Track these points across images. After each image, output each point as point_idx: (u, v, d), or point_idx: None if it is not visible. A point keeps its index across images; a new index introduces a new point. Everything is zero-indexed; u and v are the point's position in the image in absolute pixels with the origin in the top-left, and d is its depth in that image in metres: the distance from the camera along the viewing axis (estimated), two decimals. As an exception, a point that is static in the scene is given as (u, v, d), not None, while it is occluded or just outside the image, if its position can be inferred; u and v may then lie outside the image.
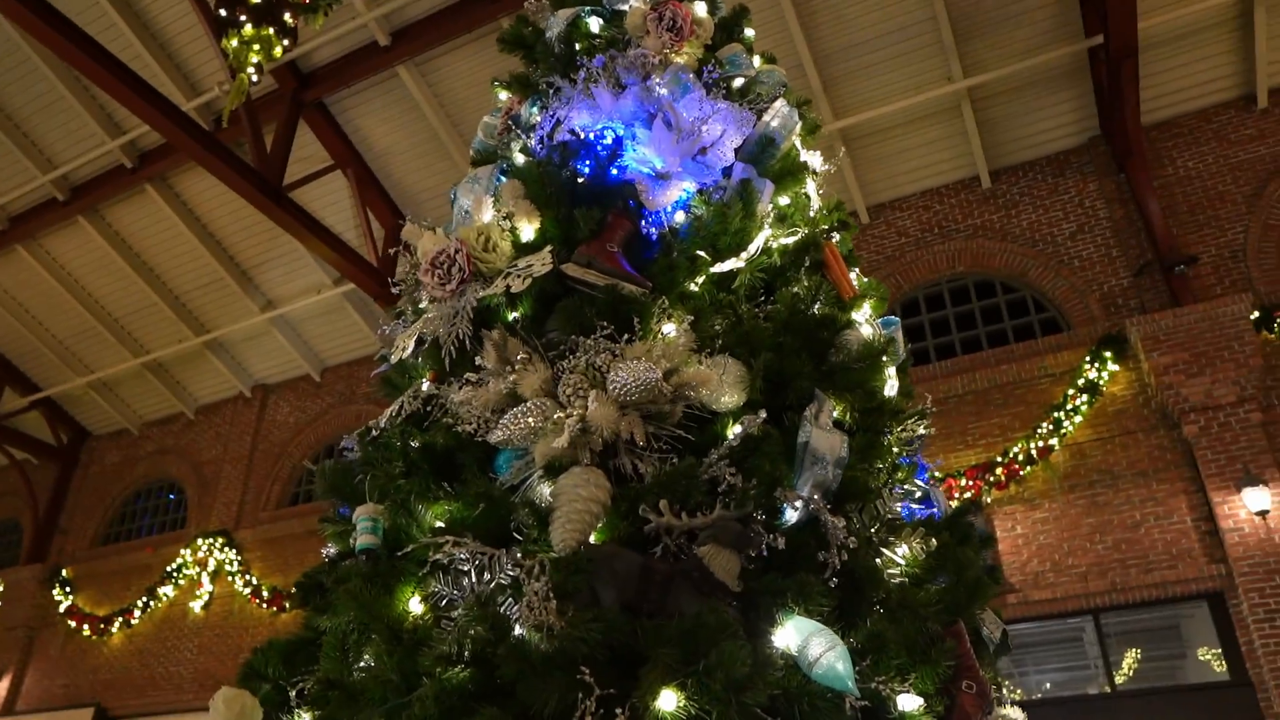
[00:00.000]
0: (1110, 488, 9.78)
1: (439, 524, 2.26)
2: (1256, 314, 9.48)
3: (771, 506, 2.09)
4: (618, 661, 1.81)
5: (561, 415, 2.18)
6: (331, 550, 2.62)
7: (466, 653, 1.84)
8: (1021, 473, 9.80)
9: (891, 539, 2.28)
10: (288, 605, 12.57)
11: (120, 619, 14.54)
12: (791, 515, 2.14)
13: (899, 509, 2.40)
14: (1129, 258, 10.53)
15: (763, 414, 2.17)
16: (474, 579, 2.10)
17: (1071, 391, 9.90)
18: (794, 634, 1.93)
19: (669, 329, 2.40)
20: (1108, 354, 9.87)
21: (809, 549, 2.11)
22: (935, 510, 2.59)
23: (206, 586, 13.72)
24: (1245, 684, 8.96)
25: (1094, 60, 10.66)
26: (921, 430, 2.63)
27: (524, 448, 2.27)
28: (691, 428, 2.27)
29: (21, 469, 17.30)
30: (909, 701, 1.94)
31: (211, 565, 13.75)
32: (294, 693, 2.29)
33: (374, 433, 2.61)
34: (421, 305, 2.82)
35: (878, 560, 2.26)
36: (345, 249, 11.62)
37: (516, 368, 2.34)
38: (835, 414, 2.37)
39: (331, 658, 2.15)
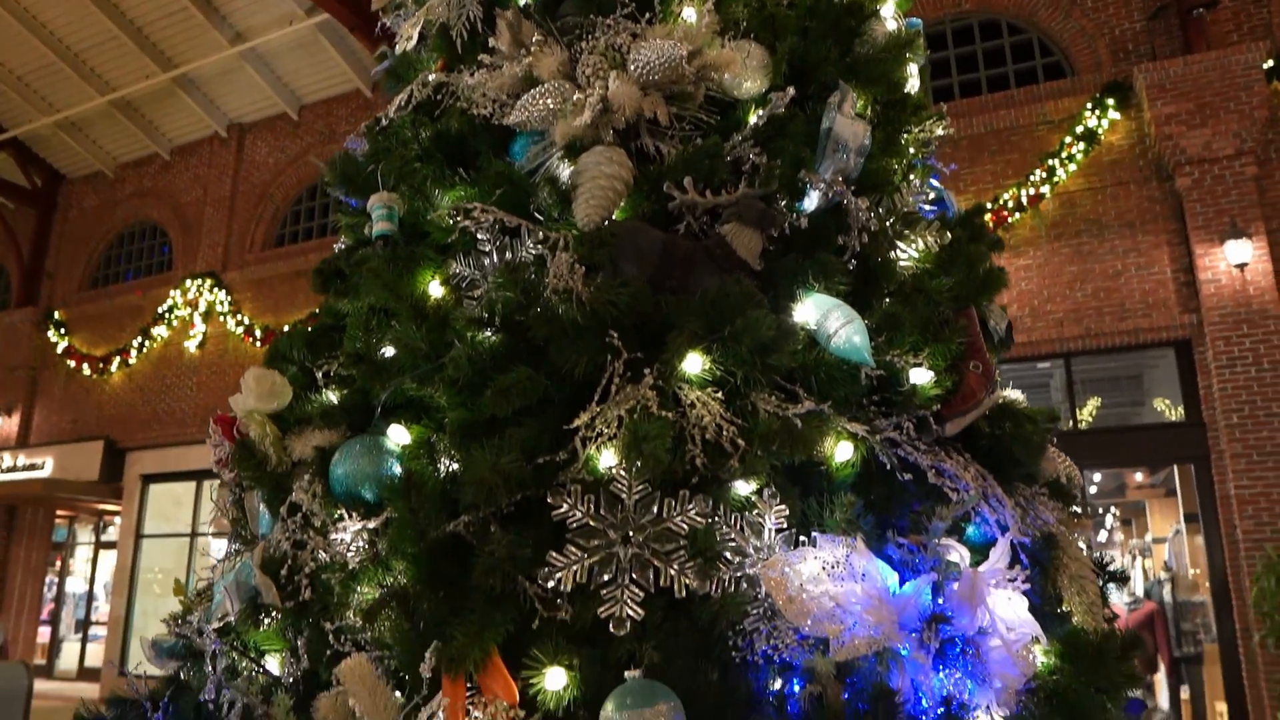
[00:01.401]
0: (1096, 238, 9.86)
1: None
2: (1270, 63, 9.19)
3: (795, 189, 2.08)
4: (643, 330, 1.87)
5: (581, 96, 2.11)
6: (344, 243, 2.62)
7: (497, 317, 1.88)
8: (1010, 220, 9.84)
9: (906, 231, 2.30)
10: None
11: (118, 358, 14.86)
12: (812, 200, 2.14)
13: (915, 203, 2.40)
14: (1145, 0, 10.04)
15: (791, 90, 2.12)
16: (495, 259, 2.12)
17: (1069, 139, 9.75)
18: (813, 309, 1.98)
19: (689, 13, 2.28)
20: (1110, 101, 9.64)
21: (829, 233, 2.13)
22: (949, 211, 2.60)
23: (199, 327, 13.93)
24: (1198, 424, 9.47)
25: None
26: (940, 130, 2.58)
27: (541, 131, 2.22)
28: (713, 113, 2.22)
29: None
30: (920, 375, 2.02)
31: (202, 306, 13.89)
32: (320, 374, 2.37)
33: (383, 123, 2.54)
34: (424, -9, 2.67)
35: (893, 252, 2.29)
36: (317, -27, 10.87)
37: (532, 50, 2.24)
38: (858, 106, 2.32)
39: (356, 335, 2.21)
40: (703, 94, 2.16)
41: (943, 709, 1.65)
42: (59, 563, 17.38)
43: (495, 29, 2.35)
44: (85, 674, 15.58)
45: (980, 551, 1.95)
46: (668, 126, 2.12)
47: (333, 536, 1.87)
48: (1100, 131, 9.71)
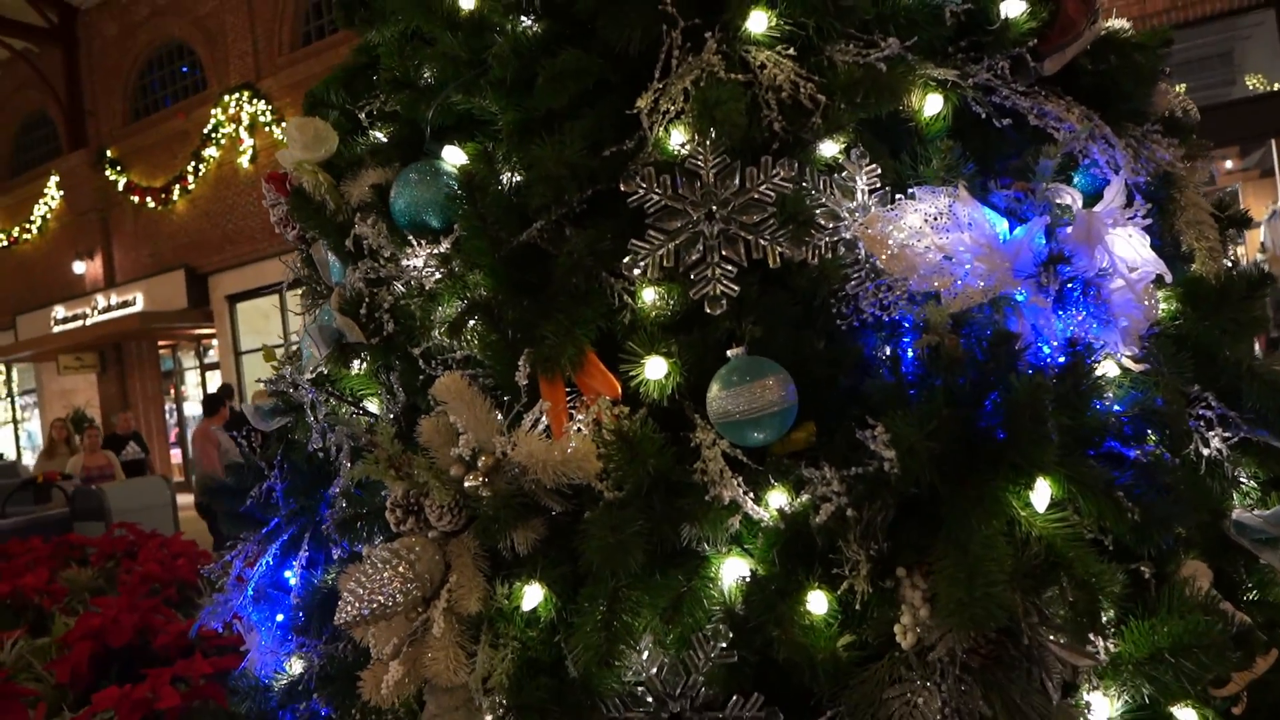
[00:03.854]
0: (1184, -109, 8.81)
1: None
2: None
3: None
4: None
5: None
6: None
7: (536, 1, 1.71)
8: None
9: None
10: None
11: (177, 186, 14.96)
12: None
13: None
14: None
15: None
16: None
17: None
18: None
19: None
20: None
21: None
22: None
23: (247, 141, 13.81)
24: (1302, 90, 8.77)
25: None
26: None
27: None
28: None
29: (27, 59, 16.78)
30: (1013, 6, 1.80)
31: (245, 120, 13.70)
32: (363, 115, 2.24)
33: None
34: None
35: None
36: None
37: None
38: None
39: (391, 64, 2.05)
40: None
41: (1065, 353, 1.56)
42: (172, 391, 18.43)
43: None
44: (220, 485, 16.83)
45: (1091, 200, 1.80)
46: None
47: (405, 263, 1.80)
48: None
